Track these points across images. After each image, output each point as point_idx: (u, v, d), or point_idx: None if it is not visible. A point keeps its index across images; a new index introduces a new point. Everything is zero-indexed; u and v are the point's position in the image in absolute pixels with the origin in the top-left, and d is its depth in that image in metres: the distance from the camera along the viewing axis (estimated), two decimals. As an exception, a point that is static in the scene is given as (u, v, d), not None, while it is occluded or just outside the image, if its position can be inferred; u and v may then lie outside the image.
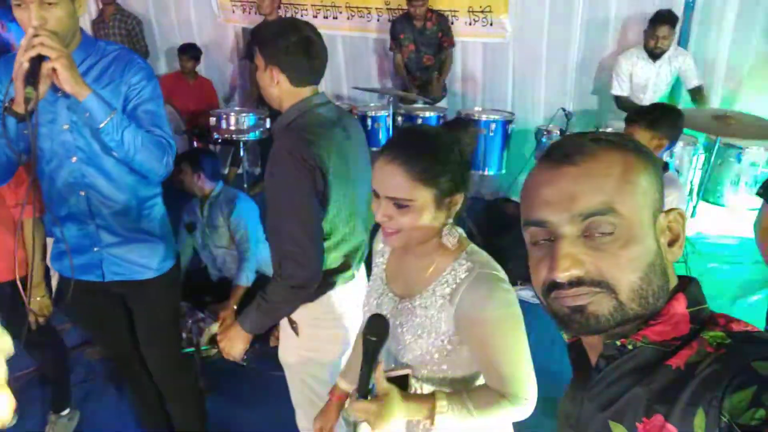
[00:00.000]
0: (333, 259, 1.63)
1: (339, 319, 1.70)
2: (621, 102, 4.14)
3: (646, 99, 4.01)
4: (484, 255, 1.18)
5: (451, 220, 1.16)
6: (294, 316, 1.71)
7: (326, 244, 1.57)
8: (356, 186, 1.62)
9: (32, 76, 1.41)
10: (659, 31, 3.80)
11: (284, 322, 1.76)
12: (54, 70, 1.44)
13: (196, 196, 3.22)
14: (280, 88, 1.56)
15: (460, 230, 1.21)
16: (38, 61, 1.41)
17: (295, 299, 1.57)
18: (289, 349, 1.77)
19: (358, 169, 1.63)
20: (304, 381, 1.78)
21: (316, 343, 1.71)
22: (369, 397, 1.09)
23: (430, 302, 1.15)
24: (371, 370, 1.06)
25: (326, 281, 1.62)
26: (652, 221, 0.68)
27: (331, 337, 1.72)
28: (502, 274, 1.16)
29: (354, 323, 1.70)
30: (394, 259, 1.30)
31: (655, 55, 3.91)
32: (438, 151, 1.09)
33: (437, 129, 1.17)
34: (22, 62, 1.41)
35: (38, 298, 2.10)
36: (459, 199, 1.13)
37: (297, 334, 1.70)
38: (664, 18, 3.79)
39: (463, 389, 1.18)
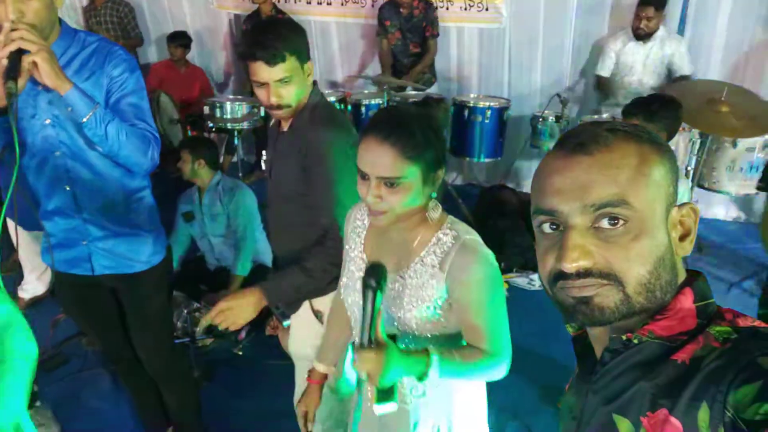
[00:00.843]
0: None
1: None
2: (600, 82, 4.21)
3: (634, 81, 4.02)
4: (464, 224, 1.25)
5: (435, 194, 1.22)
6: (318, 305, 1.72)
7: None
8: None
9: (13, 71, 1.38)
10: (644, 11, 3.83)
11: (302, 315, 1.76)
12: (35, 64, 1.40)
13: (195, 185, 3.21)
14: (310, 80, 1.60)
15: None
16: (18, 55, 1.38)
17: (327, 277, 1.58)
18: (307, 340, 1.76)
19: None
20: None
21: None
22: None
23: (420, 272, 1.21)
24: (374, 319, 1.08)
25: None
26: (665, 215, 0.67)
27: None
28: (480, 239, 1.23)
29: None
30: (372, 238, 1.32)
31: (639, 35, 3.91)
32: (421, 128, 1.13)
33: (414, 108, 1.23)
34: (0, 57, 1.37)
35: None
36: (441, 173, 1.19)
37: (322, 322, 1.71)
38: (650, 1, 3.80)
39: (450, 347, 1.24)
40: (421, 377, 1.15)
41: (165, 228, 1.98)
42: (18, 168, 1.48)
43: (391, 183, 1.12)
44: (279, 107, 1.56)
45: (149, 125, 1.69)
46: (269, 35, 1.50)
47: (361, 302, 1.19)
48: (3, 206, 1.38)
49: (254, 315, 1.59)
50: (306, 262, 1.57)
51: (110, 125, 1.55)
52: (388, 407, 1.13)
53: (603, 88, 4.21)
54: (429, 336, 1.25)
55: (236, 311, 1.57)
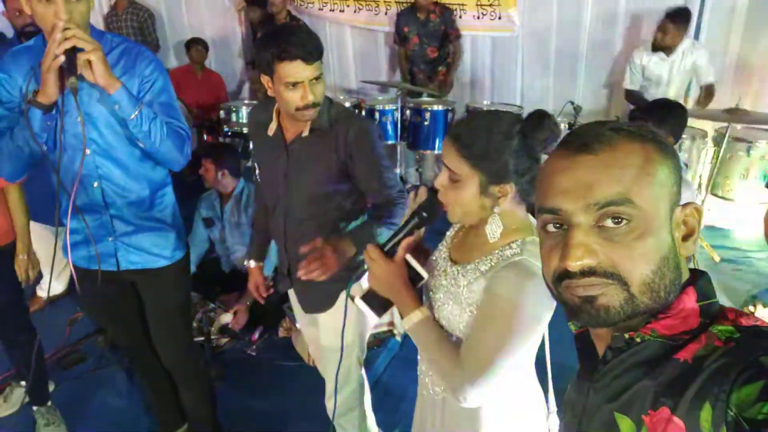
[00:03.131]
0: None
1: None
2: (631, 95, 4.15)
3: (659, 94, 3.99)
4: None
5: (497, 209, 1.15)
6: (354, 291, 1.77)
7: None
8: None
9: (73, 68, 1.45)
10: (662, 23, 3.82)
11: (338, 305, 1.81)
12: (89, 62, 1.48)
13: (217, 191, 3.25)
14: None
15: (532, 219, 1.19)
16: (73, 53, 1.45)
17: None
18: (348, 327, 1.75)
19: None
20: (358, 357, 1.90)
21: (370, 318, 1.77)
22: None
23: (469, 273, 1.19)
24: (403, 236, 1.18)
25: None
26: (668, 214, 0.67)
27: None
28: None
29: None
30: (460, 233, 1.35)
31: (654, 47, 3.91)
32: (492, 138, 1.10)
33: (510, 117, 1.15)
34: (56, 54, 1.43)
35: (21, 256, 2.22)
36: (506, 190, 1.13)
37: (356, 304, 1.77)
38: (670, 15, 3.81)
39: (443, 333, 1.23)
40: (402, 316, 1.21)
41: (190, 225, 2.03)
42: (59, 165, 1.54)
43: (451, 177, 1.14)
44: (314, 105, 1.60)
45: (182, 122, 1.75)
46: (302, 35, 1.55)
47: (442, 282, 1.24)
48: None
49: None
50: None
51: (153, 123, 1.62)
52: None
53: (633, 101, 4.15)
54: (455, 337, 1.21)
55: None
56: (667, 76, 3.96)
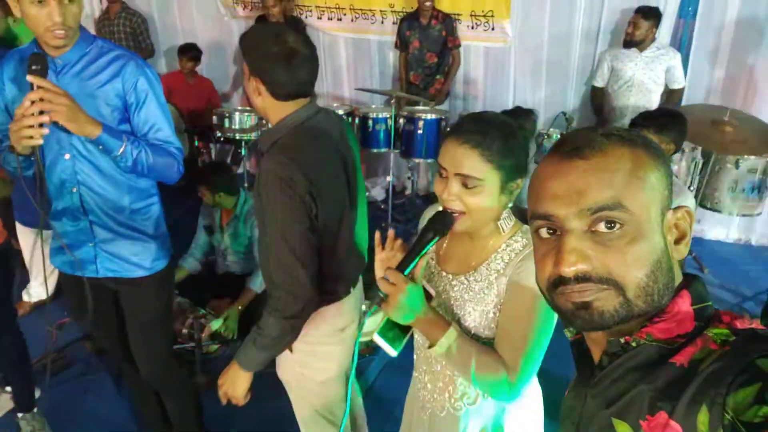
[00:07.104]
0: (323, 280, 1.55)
1: (334, 335, 1.65)
2: (594, 93, 4.26)
3: (632, 95, 4.03)
4: None
5: (510, 204, 1.19)
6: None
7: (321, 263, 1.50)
8: (348, 201, 1.58)
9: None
10: (632, 18, 3.93)
11: None
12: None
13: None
14: (263, 100, 1.46)
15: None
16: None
17: (293, 330, 1.48)
18: (286, 365, 1.72)
19: (354, 180, 1.61)
20: (306, 399, 1.74)
21: (311, 359, 1.65)
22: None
23: (484, 276, 1.20)
24: (418, 256, 1.09)
25: (321, 298, 1.53)
26: (660, 218, 0.67)
27: (326, 353, 1.67)
28: None
29: (351, 339, 1.69)
30: (446, 243, 1.30)
31: (625, 42, 3.99)
32: (504, 135, 1.12)
33: (503, 116, 1.19)
34: (22, 127, 1.42)
35: None
36: (520, 183, 1.17)
37: (291, 350, 1.62)
38: (641, 10, 3.92)
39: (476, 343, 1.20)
40: (431, 344, 1.14)
41: (184, 231, 1.99)
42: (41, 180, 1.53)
43: (468, 184, 1.11)
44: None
45: (172, 140, 1.72)
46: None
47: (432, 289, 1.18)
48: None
49: (248, 383, 1.58)
50: (261, 320, 1.47)
51: (139, 155, 1.61)
52: (386, 346, 1.14)
53: (598, 101, 4.26)
54: (485, 340, 1.21)
55: (228, 385, 1.59)
56: (641, 77, 3.98)
